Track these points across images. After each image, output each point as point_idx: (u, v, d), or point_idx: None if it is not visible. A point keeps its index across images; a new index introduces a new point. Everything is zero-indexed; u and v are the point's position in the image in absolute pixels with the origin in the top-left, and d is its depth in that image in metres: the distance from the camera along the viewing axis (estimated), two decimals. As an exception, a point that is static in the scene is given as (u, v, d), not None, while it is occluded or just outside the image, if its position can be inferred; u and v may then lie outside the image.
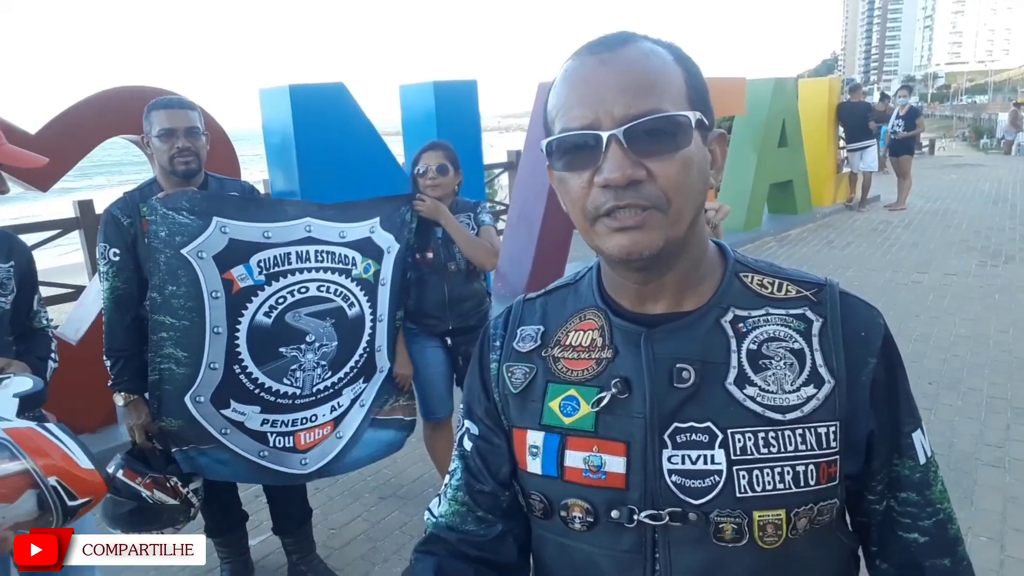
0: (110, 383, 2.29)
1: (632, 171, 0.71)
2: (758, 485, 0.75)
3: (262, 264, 2.29)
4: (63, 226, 4.82)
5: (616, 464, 0.79)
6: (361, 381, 2.53)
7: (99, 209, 4.55)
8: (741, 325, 0.80)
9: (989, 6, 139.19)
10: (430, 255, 2.70)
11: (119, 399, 2.29)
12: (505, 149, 7.98)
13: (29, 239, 4.70)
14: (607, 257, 0.77)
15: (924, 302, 5.75)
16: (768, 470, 0.75)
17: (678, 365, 0.78)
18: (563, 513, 0.82)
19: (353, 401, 2.51)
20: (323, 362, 2.40)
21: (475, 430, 0.91)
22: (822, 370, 0.77)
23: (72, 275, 5.53)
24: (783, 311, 0.80)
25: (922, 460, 0.82)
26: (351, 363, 2.48)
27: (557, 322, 0.88)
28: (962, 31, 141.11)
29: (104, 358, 2.29)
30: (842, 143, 10.45)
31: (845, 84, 10.75)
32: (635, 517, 0.78)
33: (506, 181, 8.29)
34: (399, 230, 2.56)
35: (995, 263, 6.92)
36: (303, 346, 2.36)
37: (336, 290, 2.42)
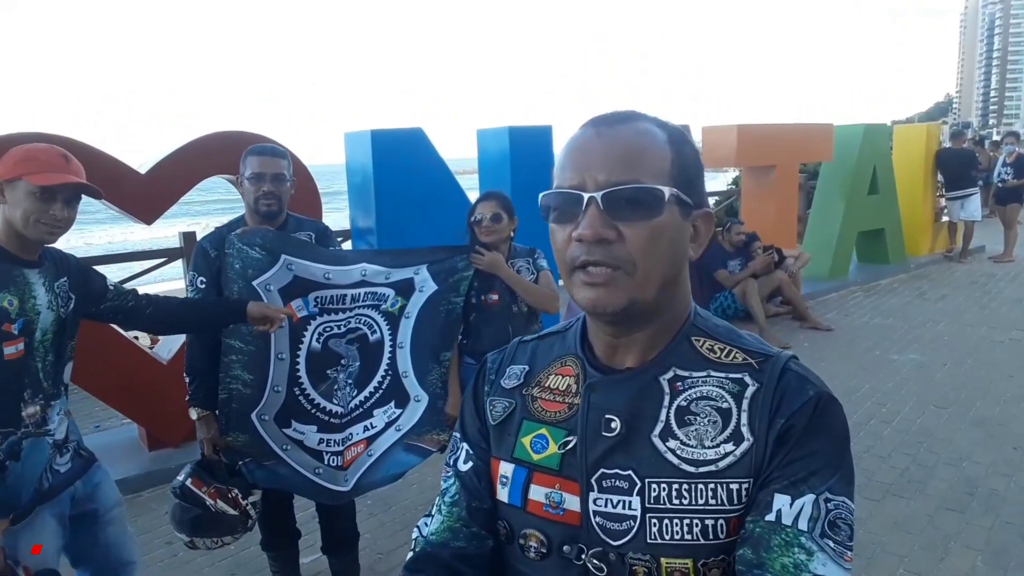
0: (187, 398, 2.52)
1: (603, 230, 0.79)
2: (667, 533, 0.79)
3: (319, 299, 2.53)
4: (168, 255, 5.29)
5: (573, 503, 0.85)
6: (393, 404, 2.69)
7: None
8: (679, 384, 0.84)
9: None
10: (495, 297, 2.84)
11: (193, 413, 2.52)
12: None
13: (138, 266, 5.20)
14: (579, 307, 0.85)
15: (1021, 362, 5.38)
16: (678, 520, 0.79)
17: (606, 416, 0.84)
18: (521, 541, 0.89)
19: (388, 424, 2.67)
20: (350, 380, 2.61)
21: (472, 451, 0.98)
22: (744, 429, 0.79)
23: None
24: (723, 374, 0.83)
25: (771, 519, 0.75)
26: (374, 383, 2.67)
27: (542, 364, 0.95)
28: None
29: (184, 375, 2.53)
30: (943, 191, 9.97)
31: (952, 128, 10.26)
32: (583, 556, 0.84)
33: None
34: (445, 275, 2.74)
35: (1108, 323, 6.38)
36: (339, 367, 2.59)
37: (365, 320, 2.64)
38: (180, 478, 2.45)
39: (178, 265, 5.41)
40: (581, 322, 0.94)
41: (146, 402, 4.00)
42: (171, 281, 7.51)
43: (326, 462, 2.57)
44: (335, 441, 2.58)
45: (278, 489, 2.58)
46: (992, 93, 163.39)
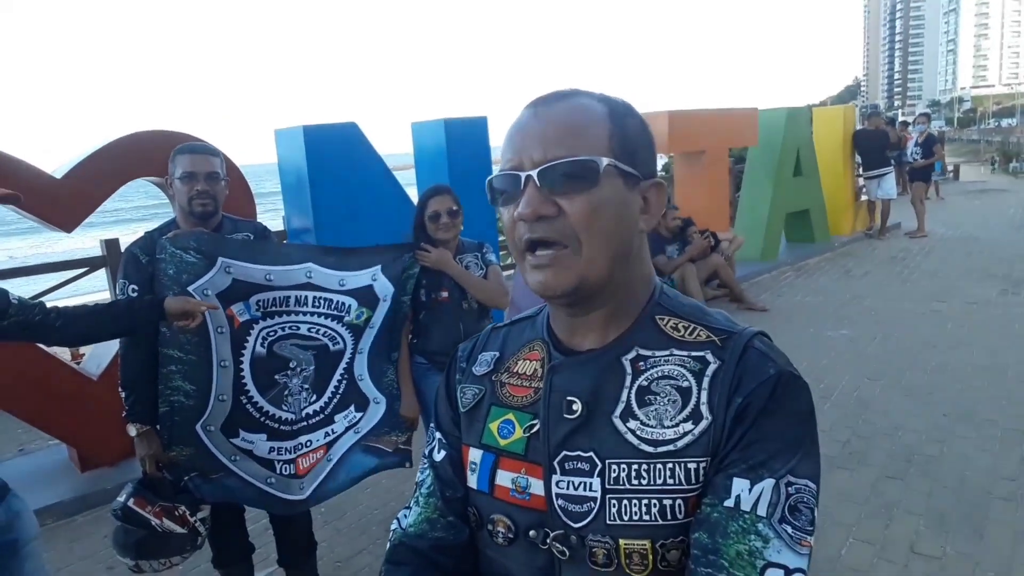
0: (124, 414, 2.37)
1: (541, 207, 0.79)
2: (625, 514, 0.79)
3: (260, 303, 2.41)
4: (90, 264, 4.99)
5: (539, 487, 0.85)
6: (353, 408, 2.61)
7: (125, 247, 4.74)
8: (641, 364, 0.83)
9: (1012, 29, 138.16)
10: (445, 294, 2.77)
11: (132, 430, 2.37)
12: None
13: (58, 277, 4.88)
14: (531, 290, 0.83)
15: (942, 331, 5.69)
16: (636, 501, 0.79)
17: (568, 398, 0.84)
18: (489, 527, 0.89)
19: (348, 428, 2.60)
20: (306, 385, 2.51)
21: (445, 440, 0.98)
22: (703, 407, 0.78)
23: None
24: (685, 352, 0.82)
25: (729, 504, 0.74)
26: (332, 386, 2.57)
27: (512, 350, 0.95)
28: (986, 54, 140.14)
29: (120, 389, 2.38)
30: (860, 171, 10.44)
31: (862, 111, 10.75)
32: (548, 540, 0.84)
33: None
34: (399, 278, 2.66)
35: (1017, 291, 6.81)
36: (288, 371, 2.47)
37: (324, 332, 2.52)
38: (121, 499, 2.31)
39: (101, 275, 5.12)
40: (548, 307, 0.94)
41: (75, 421, 3.77)
42: (94, 293, 7.12)
43: (278, 471, 2.46)
44: (286, 449, 2.48)
45: (228, 503, 2.46)
46: (896, 76, 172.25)
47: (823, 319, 6.29)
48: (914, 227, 10.15)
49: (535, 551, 0.85)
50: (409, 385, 2.76)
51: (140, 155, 3.88)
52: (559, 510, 0.83)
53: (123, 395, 2.38)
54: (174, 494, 2.37)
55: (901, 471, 3.47)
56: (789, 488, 0.74)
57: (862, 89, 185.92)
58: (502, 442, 0.89)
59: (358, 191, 4.64)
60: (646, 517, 0.78)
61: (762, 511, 0.73)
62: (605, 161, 0.80)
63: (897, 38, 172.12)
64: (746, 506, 0.74)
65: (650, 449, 0.79)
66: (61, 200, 3.70)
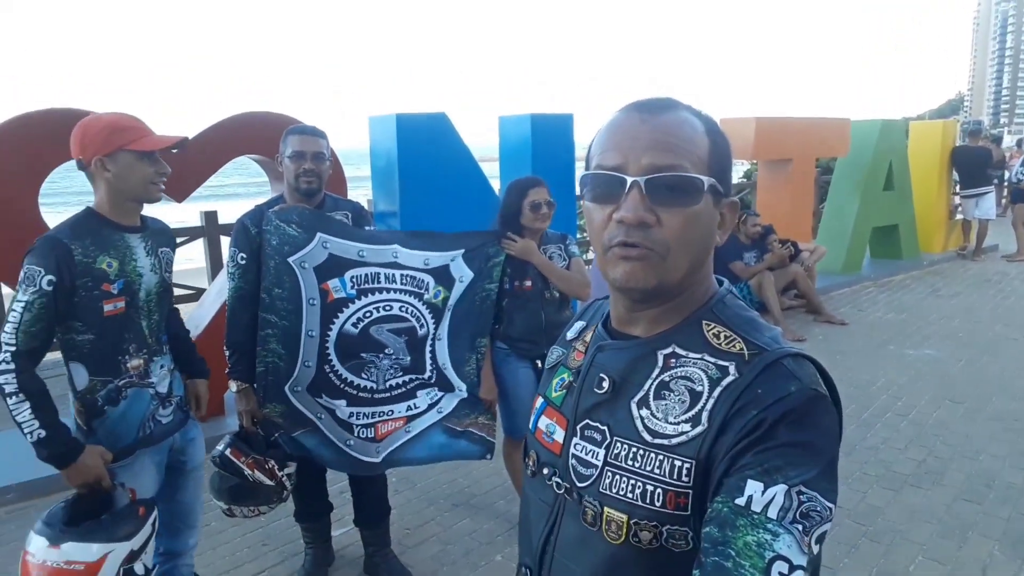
0: (227, 371, 2.58)
1: (644, 214, 0.84)
2: (614, 487, 0.88)
3: (355, 279, 2.57)
4: (190, 234, 5.35)
5: (560, 435, 0.98)
6: (437, 390, 2.75)
7: (222, 220, 5.05)
8: (673, 361, 0.89)
9: None
10: (528, 283, 2.87)
11: (233, 386, 2.58)
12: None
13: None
14: (612, 282, 0.90)
15: (1035, 359, 5.41)
16: (625, 479, 0.87)
17: (600, 375, 0.93)
18: (528, 459, 1.04)
19: (431, 406, 2.73)
20: (395, 366, 2.67)
21: None
22: (704, 415, 0.83)
23: (195, 278, 6.08)
24: (714, 360, 0.86)
25: (741, 502, 0.75)
26: (423, 376, 2.74)
27: (593, 322, 1.06)
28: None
29: (224, 348, 2.59)
30: (957, 188, 9.96)
31: (963, 127, 10.24)
32: (553, 479, 0.96)
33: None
34: (481, 264, 2.77)
35: (1122, 324, 6.39)
36: (381, 355, 2.64)
37: (411, 311, 2.67)
38: (220, 448, 2.51)
39: (199, 244, 5.47)
40: None
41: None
42: (188, 261, 7.54)
43: (356, 434, 2.62)
44: (365, 414, 2.63)
45: (310, 460, 2.62)
46: (1004, 91, 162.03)
47: (905, 337, 6.07)
48: (1013, 250, 9.62)
49: (546, 486, 0.98)
50: (489, 369, 2.87)
51: (249, 133, 4.14)
52: (571, 468, 0.94)
53: (227, 354, 2.58)
54: (265, 448, 2.56)
55: (979, 495, 3.36)
56: (801, 496, 0.75)
57: (965, 104, 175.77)
58: (553, 395, 1.02)
59: (444, 180, 4.78)
60: (629, 495, 0.86)
61: (772, 514, 0.74)
62: (709, 181, 0.85)
63: (1007, 52, 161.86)
64: (757, 507, 0.75)
65: (648, 438, 0.86)
66: (176, 171, 3.97)
